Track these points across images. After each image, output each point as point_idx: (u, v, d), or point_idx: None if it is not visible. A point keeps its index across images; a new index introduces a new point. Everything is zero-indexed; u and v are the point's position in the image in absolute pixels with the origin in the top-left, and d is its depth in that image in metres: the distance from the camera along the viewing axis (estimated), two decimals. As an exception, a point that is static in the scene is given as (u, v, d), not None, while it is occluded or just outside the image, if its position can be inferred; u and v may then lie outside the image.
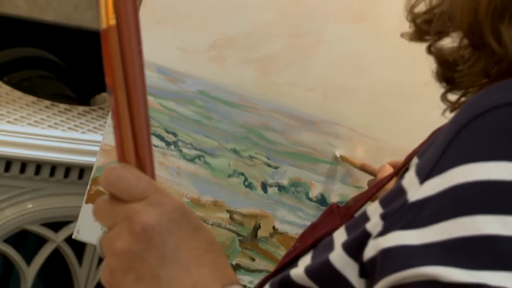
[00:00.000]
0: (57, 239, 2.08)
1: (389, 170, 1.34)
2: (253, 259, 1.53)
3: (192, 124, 1.51)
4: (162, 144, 1.51)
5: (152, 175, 0.80)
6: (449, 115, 0.92)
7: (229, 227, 1.52)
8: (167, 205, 0.78)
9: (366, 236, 0.80)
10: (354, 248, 0.82)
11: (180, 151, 1.51)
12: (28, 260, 2.09)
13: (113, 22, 0.78)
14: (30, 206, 2.04)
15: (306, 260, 0.91)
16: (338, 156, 1.50)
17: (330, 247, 0.87)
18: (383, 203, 0.81)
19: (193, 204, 1.51)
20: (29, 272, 2.09)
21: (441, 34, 0.93)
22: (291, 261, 0.94)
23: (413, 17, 0.95)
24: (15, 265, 2.09)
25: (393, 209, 0.78)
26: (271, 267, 1.51)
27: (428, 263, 0.72)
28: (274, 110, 1.50)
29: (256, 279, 1.52)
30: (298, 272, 0.89)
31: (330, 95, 1.50)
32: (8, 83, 2.19)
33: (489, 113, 0.74)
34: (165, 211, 0.77)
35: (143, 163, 0.80)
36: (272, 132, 1.51)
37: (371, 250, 0.78)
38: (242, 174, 1.52)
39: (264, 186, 1.52)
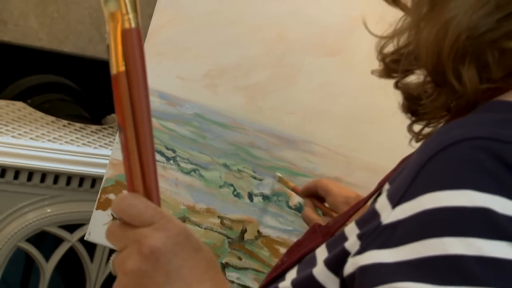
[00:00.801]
0: (72, 239, 2.06)
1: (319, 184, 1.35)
2: (240, 259, 1.51)
3: (188, 142, 1.49)
4: (163, 159, 1.49)
5: (158, 203, 0.79)
6: (415, 144, 0.92)
7: (220, 231, 1.51)
8: (171, 229, 0.77)
9: (345, 254, 0.79)
10: (335, 264, 0.81)
11: (178, 165, 1.49)
12: (47, 257, 2.07)
13: (122, 68, 0.77)
14: (49, 210, 2.02)
15: (292, 274, 0.89)
16: (279, 175, 1.49)
17: (313, 262, 0.86)
18: (359, 224, 0.80)
19: (189, 211, 1.49)
20: (48, 267, 2.07)
21: (407, 72, 0.91)
22: (280, 274, 0.92)
23: (382, 57, 0.93)
24: (35, 261, 2.07)
25: (368, 230, 0.77)
26: (256, 265, 1.50)
27: (401, 279, 0.70)
28: (259, 130, 1.49)
29: (243, 275, 1.50)
30: (285, 285, 0.87)
31: (308, 118, 1.48)
32: (31, 105, 2.19)
33: (451, 147, 0.73)
34: (170, 235, 0.76)
35: (150, 192, 0.79)
36: (257, 149, 1.49)
37: (350, 267, 0.77)
38: (232, 185, 1.50)
39: (250, 196, 1.51)
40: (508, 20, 0.79)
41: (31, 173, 1.98)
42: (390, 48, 0.92)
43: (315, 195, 1.36)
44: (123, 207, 0.77)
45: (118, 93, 0.78)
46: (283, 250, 1.49)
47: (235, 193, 1.50)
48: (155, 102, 1.48)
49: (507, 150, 0.71)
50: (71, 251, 2.08)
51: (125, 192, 0.79)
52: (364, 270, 0.74)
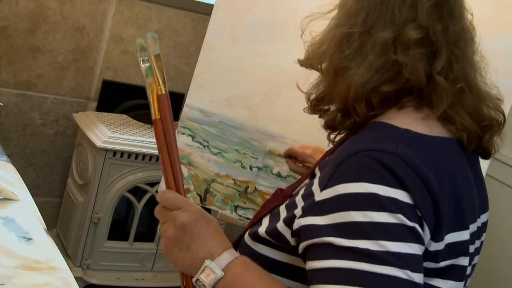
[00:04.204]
0: (152, 190, 2.02)
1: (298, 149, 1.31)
2: (245, 203, 1.46)
3: (215, 137, 1.44)
4: (201, 146, 1.45)
5: (184, 195, 0.77)
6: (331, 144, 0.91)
7: (234, 187, 1.45)
8: (193, 210, 0.75)
9: (294, 217, 0.76)
10: (288, 222, 0.77)
11: (210, 150, 1.45)
12: (138, 200, 2.04)
13: (158, 117, 0.76)
14: (140, 174, 1.99)
15: (265, 221, 0.84)
16: (268, 149, 1.44)
17: (277, 217, 0.81)
18: (303, 198, 0.76)
19: (216, 176, 1.45)
20: (139, 206, 2.04)
21: (326, 109, 0.88)
22: (259, 220, 0.87)
23: (310, 102, 0.89)
24: (132, 203, 2.03)
25: (307, 204, 0.74)
26: (254, 207, 1.46)
27: (326, 235, 0.68)
28: (256, 130, 1.43)
29: (247, 212, 1.46)
30: (262, 230, 0.82)
31: (284, 124, 1.43)
32: (130, 116, 2.15)
33: (352, 156, 0.71)
34: (192, 214, 0.75)
35: (179, 188, 0.77)
36: (255, 141, 1.44)
37: (296, 225, 0.74)
38: (240, 161, 1.45)
39: (251, 167, 1.45)
40: (382, 76, 0.77)
41: (130, 154, 1.94)
42: (313, 95, 0.88)
43: (291, 156, 1.33)
44: (163, 198, 0.76)
45: (156, 131, 0.77)
46: (269, 198, 1.45)
47: (242, 166, 1.45)
48: (197, 114, 1.44)
49: (384, 156, 0.69)
50: (152, 197, 2.03)
51: (164, 188, 0.78)
52: (304, 227, 0.72)
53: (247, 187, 1.45)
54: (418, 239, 0.68)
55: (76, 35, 2.04)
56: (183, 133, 1.43)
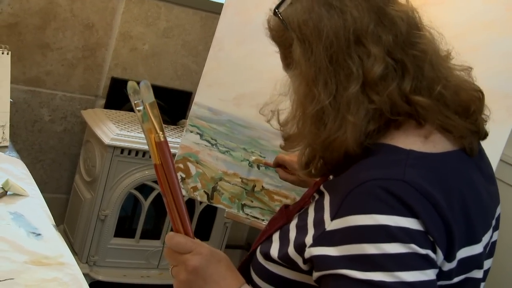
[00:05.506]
0: (159, 188, 1.99)
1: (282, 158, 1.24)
2: (252, 201, 1.46)
3: (224, 136, 1.44)
4: (209, 145, 1.45)
5: (192, 237, 0.76)
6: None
7: (241, 185, 1.45)
8: (203, 252, 0.75)
9: (304, 245, 0.74)
10: (298, 250, 0.75)
11: (218, 148, 1.45)
12: (145, 198, 2.03)
13: (159, 162, 0.74)
14: (147, 172, 1.98)
15: (276, 239, 0.82)
16: (253, 158, 1.43)
17: (287, 237, 0.79)
18: (315, 226, 0.74)
19: (224, 174, 1.44)
20: (146, 204, 2.04)
21: (319, 164, 0.82)
22: (268, 237, 0.84)
23: (301, 165, 0.83)
24: (139, 200, 2.03)
25: (317, 233, 0.73)
26: (260, 205, 1.46)
27: (340, 267, 0.68)
28: (264, 129, 1.42)
29: (253, 211, 1.46)
30: (274, 253, 0.80)
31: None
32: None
33: (360, 186, 0.70)
34: (202, 256, 0.75)
35: (187, 231, 0.76)
36: (262, 140, 1.44)
37: (307, 254, 0.73)
38: (247, 160, 1.45)
39: (258, 166, 1.45)
40: (368, 124, 0.74)
41: (137, 151, 1.94)
42: (304, 158, 0.82)
43: (280, 165, 1.26)
44: (173, 243, 0.75)
45: (158, 175, 0.75)
46: (277, 197, 1.44)
47: (250, 164, 1.45)
48: (206, 113, 1.44)
49: (392, 184, 0.68)
50: (159, 195, 2.03)
51: (171, 233, 0.77)
52: (317, 258, 0.71)
53: (254, 186, 1.45)
54: (432, 264, 0.68)
55: (86, 32, 2.04)
56: (191, 131, 1.43)
